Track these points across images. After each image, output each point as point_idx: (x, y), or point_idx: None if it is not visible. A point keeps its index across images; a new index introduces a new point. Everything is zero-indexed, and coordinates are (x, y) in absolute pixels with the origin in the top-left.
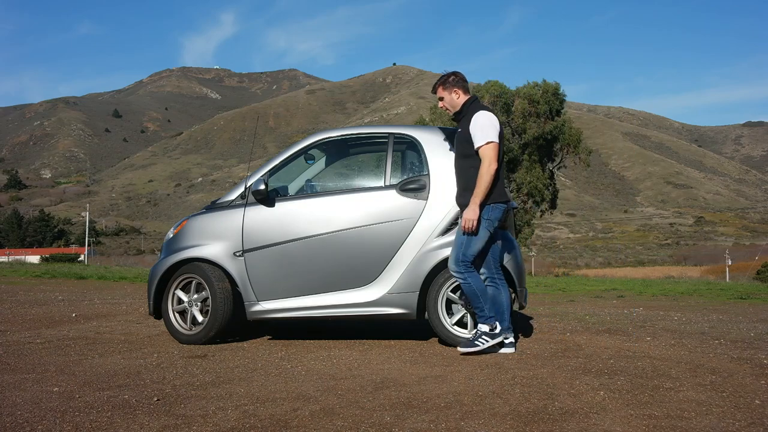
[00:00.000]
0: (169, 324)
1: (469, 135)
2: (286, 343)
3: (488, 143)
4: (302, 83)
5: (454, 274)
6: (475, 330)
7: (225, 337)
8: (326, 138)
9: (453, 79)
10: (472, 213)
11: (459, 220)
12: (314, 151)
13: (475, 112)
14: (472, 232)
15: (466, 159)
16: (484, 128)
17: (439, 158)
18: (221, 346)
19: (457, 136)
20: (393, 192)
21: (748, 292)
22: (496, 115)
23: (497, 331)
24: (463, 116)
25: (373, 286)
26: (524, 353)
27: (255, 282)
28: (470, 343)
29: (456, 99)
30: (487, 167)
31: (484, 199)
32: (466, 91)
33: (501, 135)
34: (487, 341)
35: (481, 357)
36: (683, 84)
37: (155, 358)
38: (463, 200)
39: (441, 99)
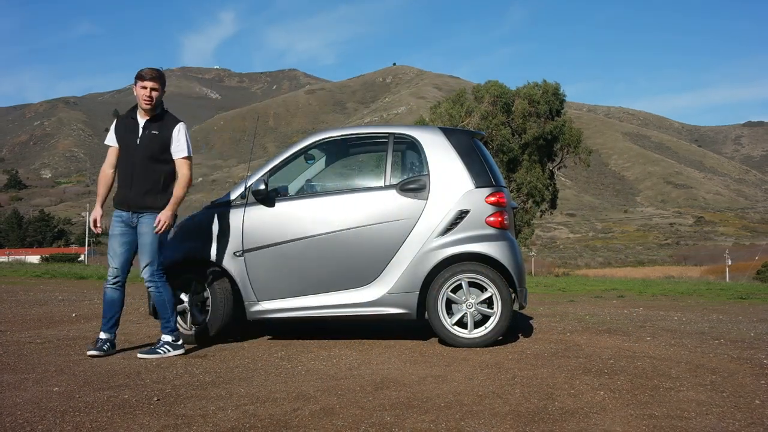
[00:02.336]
0: None
1: (170, 140)
2: (286, 343)
3: (190, 157)
4: (302, 83)
5: (150, 285)
6: (160, 340)
7: (225, 337)
8: (326, 138)
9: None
10: (171, 217)
11: (143, 227)
12: (314, 151)
13: (177, 121)
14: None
15: (158, 162)
16: (188, 141)
17: (439, 158)
18: (221, 346)
19: (151, 136)
20: (393, 192)
21: (748, 292)
22: (118, 117)
23: (179, 342)
24: (159, 116)
25: (373, 286)
26: (524, 353)
27: (255, 282)
28: (151, 350)
29: (161, 96)
30: (190, 179)
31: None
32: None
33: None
34: (169, 350)
35: (481, 357)
36: (683, 84)
37: (155, 358)
38: (151, 202)
39: (155, 90)
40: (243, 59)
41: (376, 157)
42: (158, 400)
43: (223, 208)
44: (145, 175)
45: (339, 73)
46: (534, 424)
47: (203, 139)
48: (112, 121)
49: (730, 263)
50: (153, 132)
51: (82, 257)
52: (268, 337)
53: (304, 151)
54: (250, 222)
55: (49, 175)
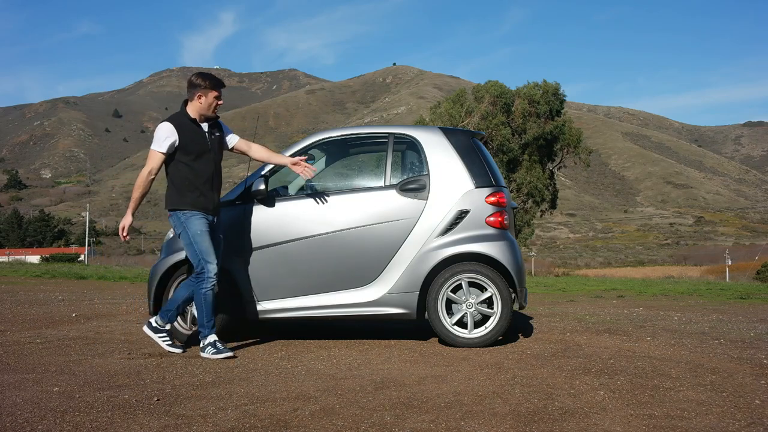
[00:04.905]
0: None
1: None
2: (286, 343)
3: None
4: (302, 83)
5: (211, 285)
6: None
7: (225, 337)
8: (326, 138)
9: None
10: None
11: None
12: (314, 151)
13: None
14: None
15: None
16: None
17: (439, 158)
18: None
19: (217, 139)
20: (393, 192)
21: (748, 292)
22: (172, 122)
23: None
24: (213, 120)
25: (373, 286)
26: (524, 353)
27: (255, 282)
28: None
29: None
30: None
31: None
32: None
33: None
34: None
35: (481, 357)
36: (683, 84)
37: (155, 358)
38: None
39: (219, 97)
40: (243, 59)
41: (376, 157)
42: (158, 400)
43: (222, 208)
44: (220, 179)
45: (339, 73)
46: (534, 424)
47: None
48: (112, 121)
49: (730, 263)
50: (216, 134)
51: (82, 257)
52: (268, 337)
53: (304, 151)
54: (250, 222)
55: (49, 175)
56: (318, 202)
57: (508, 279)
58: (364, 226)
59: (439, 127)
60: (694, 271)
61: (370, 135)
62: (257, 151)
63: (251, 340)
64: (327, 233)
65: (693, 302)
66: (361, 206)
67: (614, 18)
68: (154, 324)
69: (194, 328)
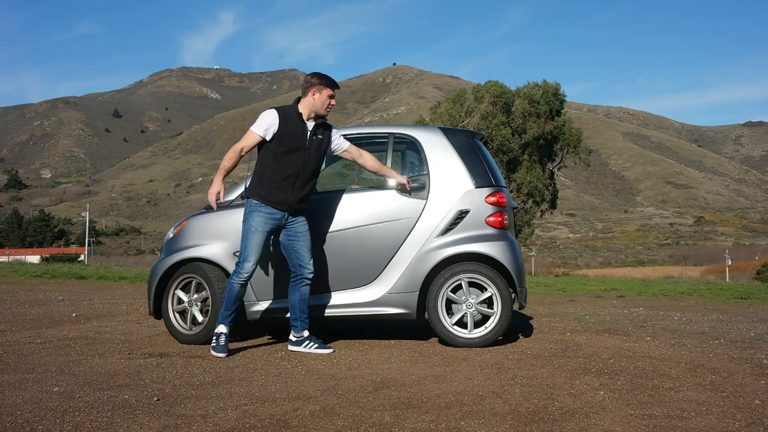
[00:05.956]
0: (169, 324)
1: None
2: (286, 343)
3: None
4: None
5: (241, 279)
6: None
7: None
8: None
9: None
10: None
11: (300, 227)
12: None
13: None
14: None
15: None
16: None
17: (439, 158)
18: None
19: (320, 143)
20: (393, 192)
21: (748, 292)
22: (278, 112)
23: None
24: (322, 121)
25: (373, 285)
26: (524, 353)
27: (255, 282)
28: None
29: None
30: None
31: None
32: None
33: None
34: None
35: (481, 357)
36: (683, 84)
37: (155, 358)
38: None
39: (332, 97)
40: (243, 59)
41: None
42: (158, 400)
43: (222, 207)
44: (309, 180)
45: (339, 73)
46: (534, 424)
47: (203, 138)
48: (112, 121)
49: (730, 263)
50: (319, 137)
51: (82, 257)
52: (268, 337)
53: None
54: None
55: (49, 175)
56: (318, 202)
57: (508, 279)
58: (363, 225)
59: (439, 127)
60: (694, 271)
61: (369, 135)
62: (368, 160)
63: (251, 340)
64: (327, 233)
65: (693, 302)
66: (360, 206)
67: (614, 18)
68: (294, 339)
69: (194, 329)
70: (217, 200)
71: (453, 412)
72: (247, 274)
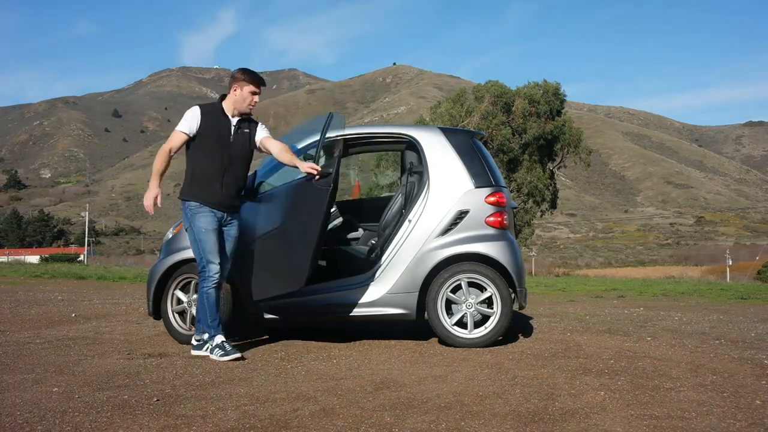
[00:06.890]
0: (168, 324)
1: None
2: (286, 343)
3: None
4: (302, 83)
5: (212, 283)
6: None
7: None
8: (326, 138)
9: None
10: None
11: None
12: (313, 152)
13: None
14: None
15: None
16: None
17: (439, 158)
18: None
19: (247, 137)
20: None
21: (749, 292)
22: (200, 108)
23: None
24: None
25: (372, 286)
26: (524, 353)
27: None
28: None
29: None
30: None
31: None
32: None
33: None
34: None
35: (481, 357)
36: (684, 83)
37: (155, 358)
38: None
39: (255, 94)
40: (243, 59)
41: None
42: (158, 400)
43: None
44: (238, 175)
45: (339, 73)
46: (534, 425)
47: None
48: (112, 121)
49: (730, 263)
50: (245, 131)
51: (81, 257)
52: (268, 337)
53: (303, 151)
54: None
55: (49, 175)
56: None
57: (508, 279)
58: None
59: (439, 127)
60: (695, 271)
61: (369, 135)
62: (281, 151)
63: (251, 340)
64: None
65: (693, 302)
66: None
67: (614, 17)
68: (196, 342)
69: (194, 329)
70: (154, 204)
71: (453, 412)
72: (217, 275)
